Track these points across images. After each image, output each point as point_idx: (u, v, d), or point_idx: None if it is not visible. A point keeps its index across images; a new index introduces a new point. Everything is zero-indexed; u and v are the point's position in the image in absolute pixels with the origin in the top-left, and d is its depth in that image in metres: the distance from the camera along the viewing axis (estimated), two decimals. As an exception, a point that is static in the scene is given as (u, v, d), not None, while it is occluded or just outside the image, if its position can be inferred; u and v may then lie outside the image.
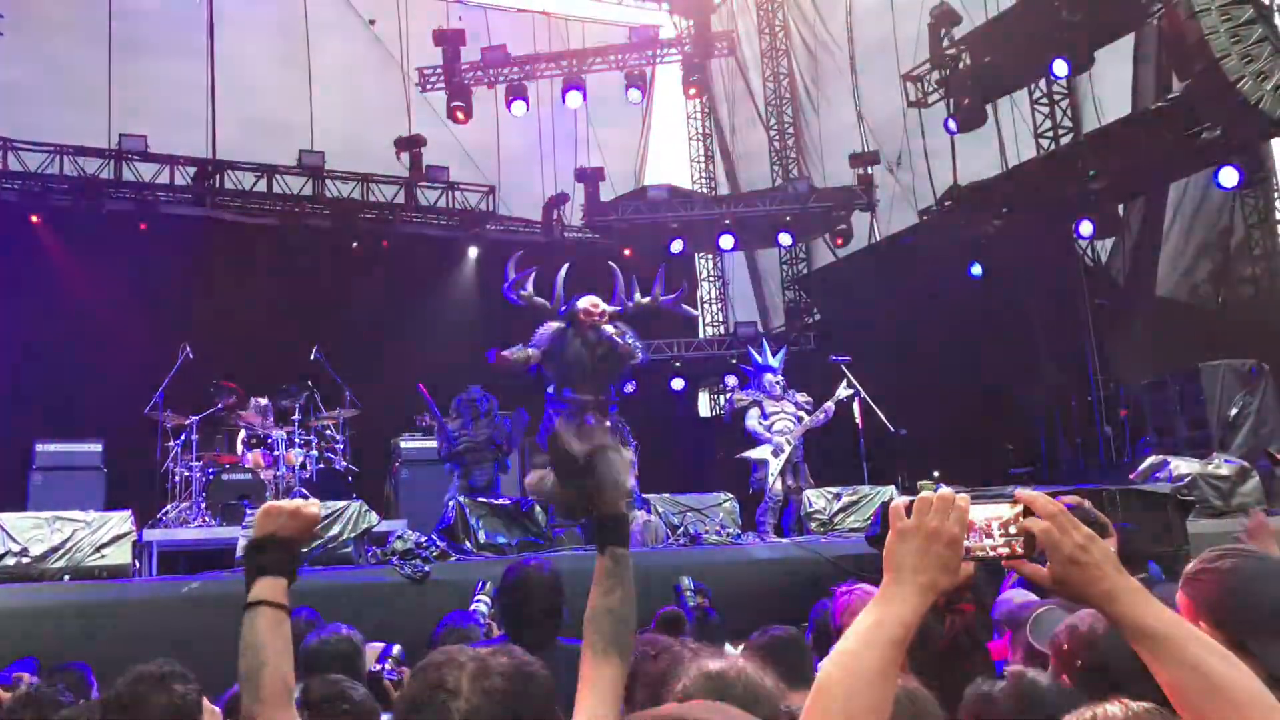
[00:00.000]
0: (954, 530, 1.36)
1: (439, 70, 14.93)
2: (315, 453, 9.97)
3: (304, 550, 2.00)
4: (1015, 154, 13.33)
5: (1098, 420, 12.43)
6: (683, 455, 14.57)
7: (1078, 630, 2.11)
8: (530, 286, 8.00)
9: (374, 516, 7.06)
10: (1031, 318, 12.94)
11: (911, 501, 1.40)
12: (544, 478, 6.52)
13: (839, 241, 15.45)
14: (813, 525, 8.62)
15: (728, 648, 3.26)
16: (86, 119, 13.30)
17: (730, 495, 8.87)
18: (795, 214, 15.10)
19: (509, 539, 7.40)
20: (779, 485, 8.82)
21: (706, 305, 18.54)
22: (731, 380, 11.23)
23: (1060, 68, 12.03)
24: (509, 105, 14.85)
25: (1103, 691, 1.56)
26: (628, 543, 2.05)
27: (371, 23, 15.78)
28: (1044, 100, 13.27)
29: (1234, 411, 10.00)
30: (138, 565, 7.03)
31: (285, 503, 1.95)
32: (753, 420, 9.03)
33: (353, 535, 6.78)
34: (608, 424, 7.40)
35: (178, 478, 9.38)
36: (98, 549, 6.31)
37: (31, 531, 6.24)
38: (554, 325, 7.93)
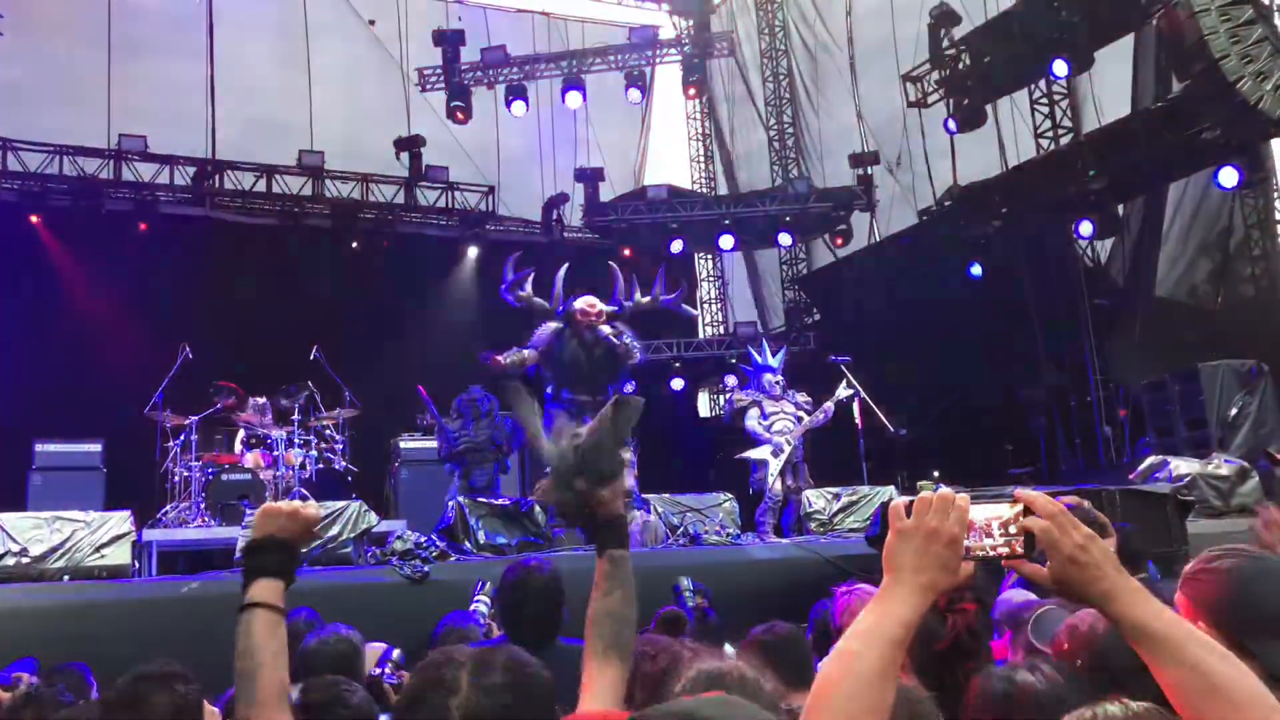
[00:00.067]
0: (954, 530, 1.36)
1: (439, 70, 14.94)
2: (315, 453, 9.94)
3: (303, 552, 1.99)
4: (1015, 154, 13.33)
5: (1097, 420, 12.41)
6: (682, 455, 14.55)
7: (1078, 630, 2.11)
8: (528, 287, 7.97)
9: (373, 517, 7.05)
10: (1031, 318, 12.92)
11: (911, 501, 1.40)
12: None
13: (839, 241, 15.44)
14: (812, 525, 8.60)
15: (727, 648, 3.25)
16: (86, 119, 13.30)
17: (730, 495, 8.85)
18: (795, 214, 15.10)
19: (509, 539, 7.38)
20: (779, 485, 8.79)
21: (706, 305, 18.52)
22: (731, 380, 11.20)
23: (1060, 68, 12.03)
24: (509, 105, 14.86)
25: (1103, 691, 1.56)
26: (626, 544, 2.05)
27: (371, 23, 15.78)
28: (1044, 100, 13.25)
29: (1233, 412, 10.00)
30: (137, 565, 7.01)
31: (284, 504, 1.94)
32: (752, 420, 9.00)
33: (352, 535, 6.77)
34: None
35: (177, 478, 9.35)
36: (97, 549, 6.29)
37: (31, 531, 6.23)
38: (552, 326, 7.91)
